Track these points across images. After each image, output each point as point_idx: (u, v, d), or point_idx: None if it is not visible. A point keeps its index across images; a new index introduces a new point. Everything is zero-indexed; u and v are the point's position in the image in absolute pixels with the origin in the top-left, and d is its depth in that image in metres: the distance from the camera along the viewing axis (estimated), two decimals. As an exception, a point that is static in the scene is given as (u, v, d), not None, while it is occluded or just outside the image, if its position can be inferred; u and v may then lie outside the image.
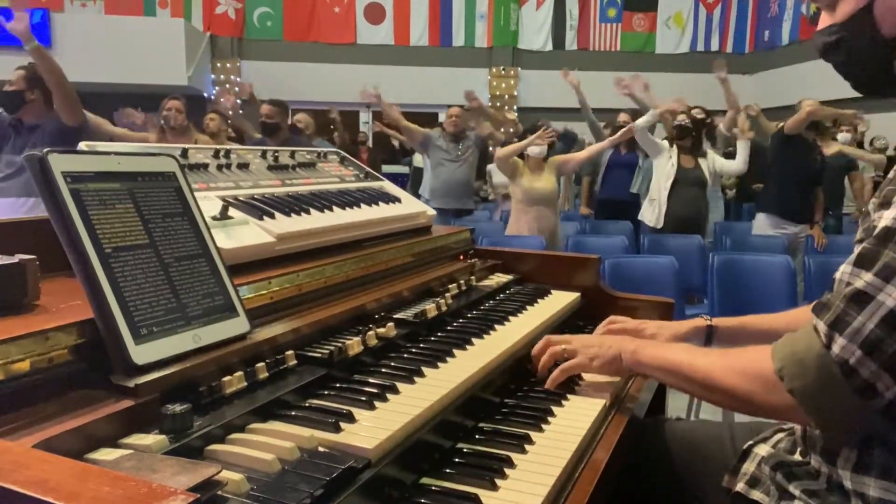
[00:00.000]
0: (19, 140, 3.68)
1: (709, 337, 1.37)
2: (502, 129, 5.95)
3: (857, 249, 0.89)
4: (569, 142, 7.28)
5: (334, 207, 1.48)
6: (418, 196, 6.78)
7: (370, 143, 10.15)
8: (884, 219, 0.86)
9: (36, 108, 3.72)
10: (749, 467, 1.09)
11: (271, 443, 0.81)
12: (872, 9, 0.93)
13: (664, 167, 4.81)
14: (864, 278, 0.85)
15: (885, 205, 0.90)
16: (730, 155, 5.86)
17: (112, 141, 4.16)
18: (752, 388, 0.96)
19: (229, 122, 5.87)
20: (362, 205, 1.57)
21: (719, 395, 1.02)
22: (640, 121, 4.92)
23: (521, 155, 4.57)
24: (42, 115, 3.73)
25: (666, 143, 4.93)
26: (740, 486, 1.07)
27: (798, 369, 0.89)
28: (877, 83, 1.01)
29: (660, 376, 1.17)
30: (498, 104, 11.84)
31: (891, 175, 0.94)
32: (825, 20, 1.00)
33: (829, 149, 5.63)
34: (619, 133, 4.92)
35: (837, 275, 0.90)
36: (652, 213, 4.84)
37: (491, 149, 6.11)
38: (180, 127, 4.60)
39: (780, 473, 1.02)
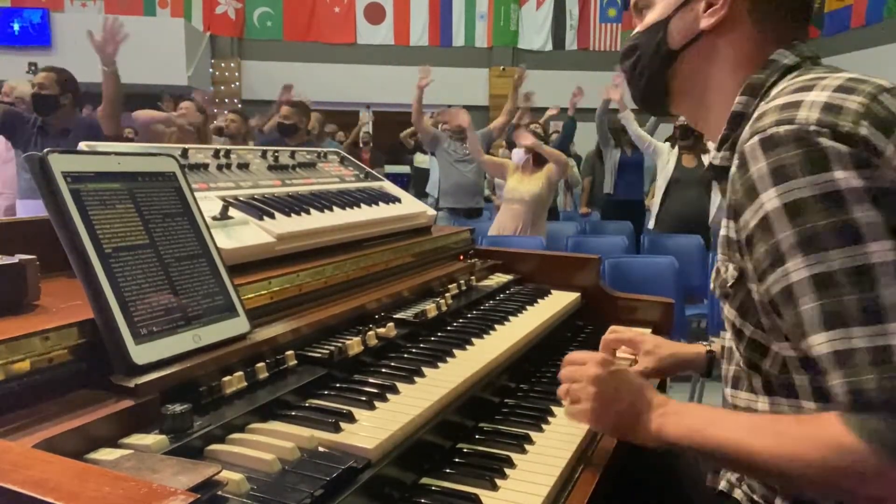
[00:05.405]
0: (49, 143, 3.66)
1: (709, 364, 1.26)
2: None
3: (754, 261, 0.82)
4: (569, 132, 7.25)
5: (334, 207, 1.48)
6: (424, 196, 6.80)
7: (371, 143, 10.13)
8: (748, 221, 0.81)
9: (65, 112, 3.71)
10: None
11: (271, 443, 0.81)
12: (669, 22, 0.98)
13: (662, 169, 4.84)
14: (797, 264, 0.76)
15: (736, 214, 0.84)
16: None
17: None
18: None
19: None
20: (362, 205, 1.57)
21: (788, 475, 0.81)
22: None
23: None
24: (71, 120, 3.72)
25: (666, 144, 4.94)
26: (723, 485, 1.07)
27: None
28: (653, 97, 1.05)
29: (694, 454, 0.97)
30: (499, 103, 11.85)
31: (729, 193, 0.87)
32: (636, 28, 1.05)
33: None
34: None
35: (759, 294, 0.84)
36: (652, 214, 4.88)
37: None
38: (197, 122, 4.60)
39: (759, 492, 1.00)
